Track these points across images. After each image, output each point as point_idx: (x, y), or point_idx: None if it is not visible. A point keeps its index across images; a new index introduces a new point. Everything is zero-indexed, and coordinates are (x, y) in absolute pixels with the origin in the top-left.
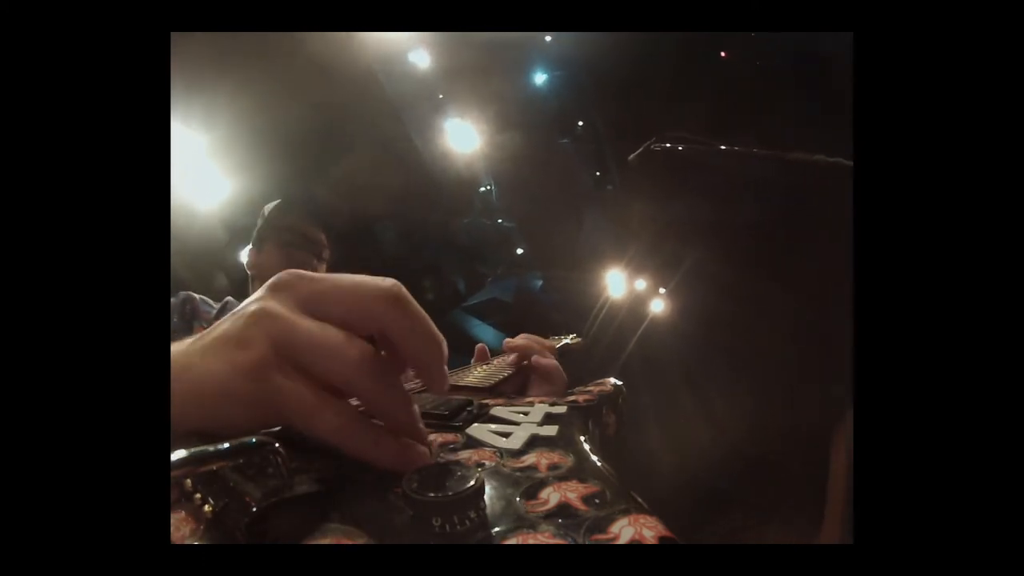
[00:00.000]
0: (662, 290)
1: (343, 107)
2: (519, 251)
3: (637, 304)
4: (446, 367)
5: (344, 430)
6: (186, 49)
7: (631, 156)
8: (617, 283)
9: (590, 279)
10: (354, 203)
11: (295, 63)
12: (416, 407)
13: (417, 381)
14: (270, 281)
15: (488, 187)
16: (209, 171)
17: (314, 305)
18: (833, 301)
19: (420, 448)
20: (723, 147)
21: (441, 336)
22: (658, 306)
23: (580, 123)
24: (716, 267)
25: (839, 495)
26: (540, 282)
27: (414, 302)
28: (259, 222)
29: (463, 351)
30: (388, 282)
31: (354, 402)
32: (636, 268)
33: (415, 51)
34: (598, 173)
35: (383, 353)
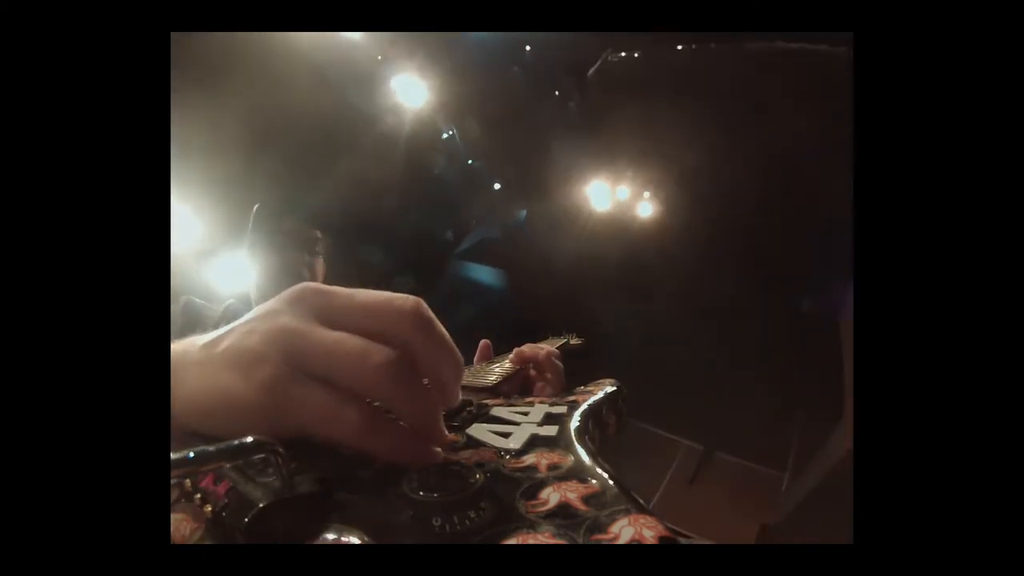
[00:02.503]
0: (646, 194)
1: (280, 95)
2: (496, 186)
3: (624, 211)
4: (459, 384)
5: (366, 430)
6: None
7: (589, 72)
8: (600, 195)
9: (572, 197)
10: (322, 189)
11: (232, 64)
12: (440, 411)
13: None
14: (287, 294)
15: (450, 132)
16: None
17: (332, 320)
18: (819, 181)
19: (436, 451)
20: (679, 45)
21: (461, 356)
22: (645, 210)
23: (528, 47)
24: (694, 161)
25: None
26: (524, 212)
27: (437, 322)
28: (249, 227)
29: (469, 336)
30: (411, 302)
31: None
32: (615, 177)
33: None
34: (556, 92)
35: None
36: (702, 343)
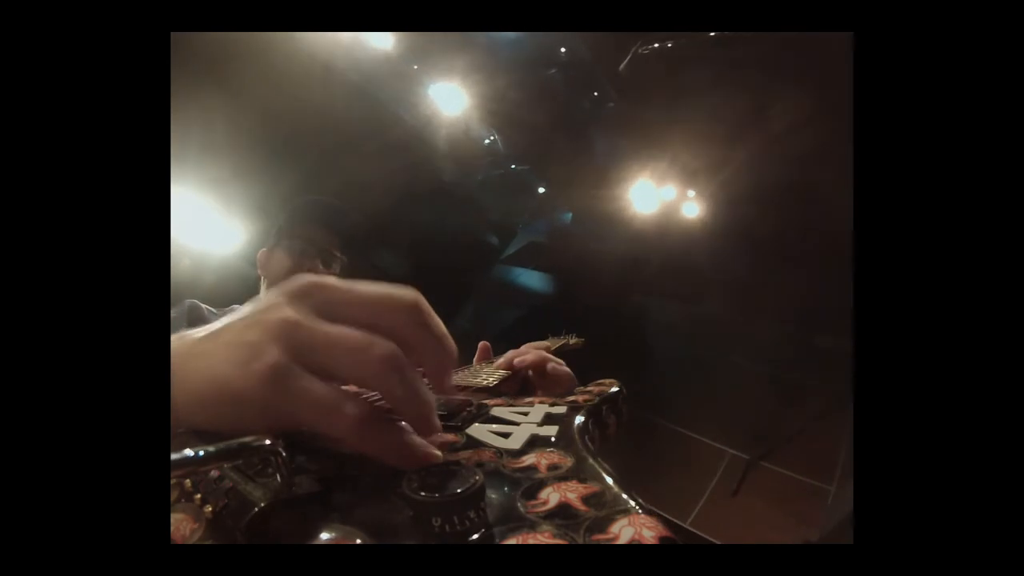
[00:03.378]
0: (691, 193)
1: (323, 110)
2: (541, 190)
3: (670, 212)
4: (452, 375)
5: (363, 426)
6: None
7: (621, 66)
8: (646, 195)
9: (617, 198)
10: (363, 201)
11: (267, 69)
12: (434, 405)
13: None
14: (287, 287)
15: (492, 138)
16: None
17: (332, 313)
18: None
19: (433, 452)
20: (712, 33)
21: (455, 348)
22: (691, 210)
23: (563, 50)
24: (738, 157)
25: None
26: (570, 214)
27: (434, 314)
28: (276, 227)
29: (514, 339)
30: (409, 294)
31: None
32: (660, 177)
33: (374, 33)
34: (595, 93)
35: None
36: (751, 347)
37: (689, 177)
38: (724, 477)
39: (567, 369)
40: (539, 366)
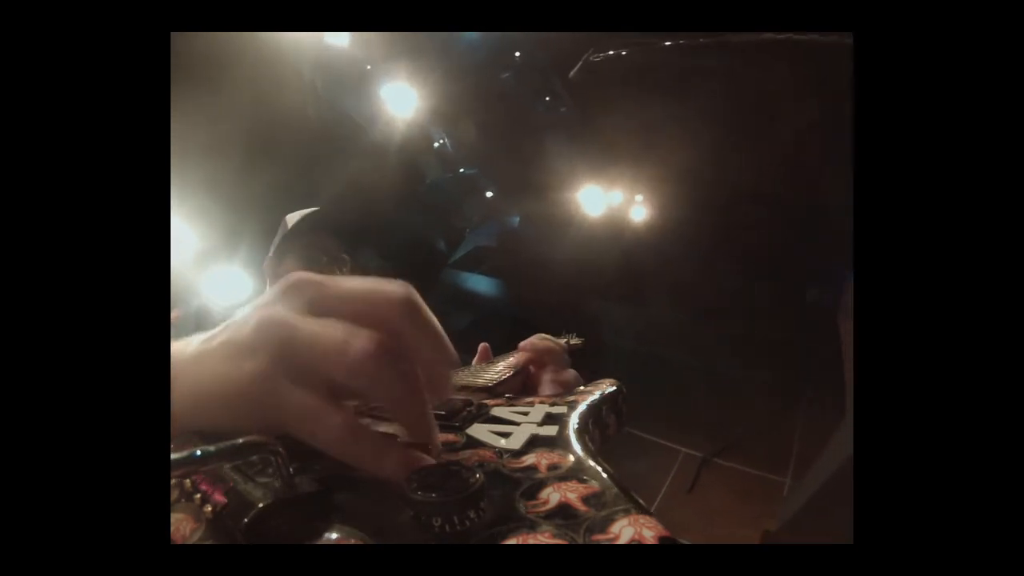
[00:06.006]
0: (638, 198)
1: (276, 111)
2: (489, 194)
3: (617, 216)
4: (451, 373)
5: (347, 437)
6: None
7: (571, 72)
8: (593, 200)
9: (565, 203)
10: (308, 203)
11: (218, 68)
12: (428, 399)
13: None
14: (280, 285)
15: (441, 141)
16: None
17: (322, 309)
18: (817, 175)
19: (425, 458)
20: (666, 42)
21: (452, 348)
22: (639, 214)
23: (517, 54)
24: (687, 163)
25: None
26: (518, 219)
27: (427, 309)
28: (280, 232)
29: (465, 343)
30: (400, 288)
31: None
32: (608, 182)
33: (330, 33)
34: (547, 98)
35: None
36: (700, 345)
37: (637, 182)
38: (679, 474)
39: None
40: (549, 352)
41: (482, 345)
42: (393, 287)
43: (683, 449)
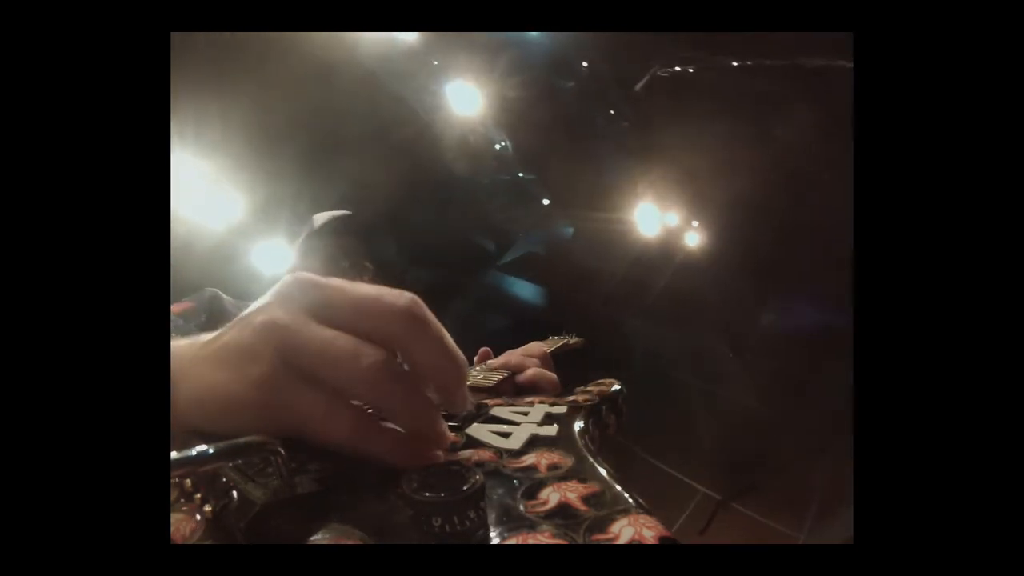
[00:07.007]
0: (695, 223)
1: (343, 104)
2: (545, 202)
3: (671, 239)
4: (466, 388)
5: (359, 434)
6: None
7: (637, 86)
8: (648, 219)
9: (620, 219)
10: (368, 194)
11: (288, 63)
12: (439, 413)
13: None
14: (281, 286)
15: (503, 143)
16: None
17: (323, 313)
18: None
19: (435, 451)
20: (734, 63)
21: (462, 356)
22: (693, 239)
23: (584, 63)
24: (752, 191)
25: None
26: (571, 230)
27: (433, 320)
28: (306, 231)
29: (497, 344)
30: (404, 299)
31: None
32: (665, 202)
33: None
34: (611, 111)
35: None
36: (739, 381)
37: (695, 206)
38: (694, 513)
39: (552, 375)
40: (520, 369)
41: (482, 350)
42: (395, 297)
43: (702, 488)
